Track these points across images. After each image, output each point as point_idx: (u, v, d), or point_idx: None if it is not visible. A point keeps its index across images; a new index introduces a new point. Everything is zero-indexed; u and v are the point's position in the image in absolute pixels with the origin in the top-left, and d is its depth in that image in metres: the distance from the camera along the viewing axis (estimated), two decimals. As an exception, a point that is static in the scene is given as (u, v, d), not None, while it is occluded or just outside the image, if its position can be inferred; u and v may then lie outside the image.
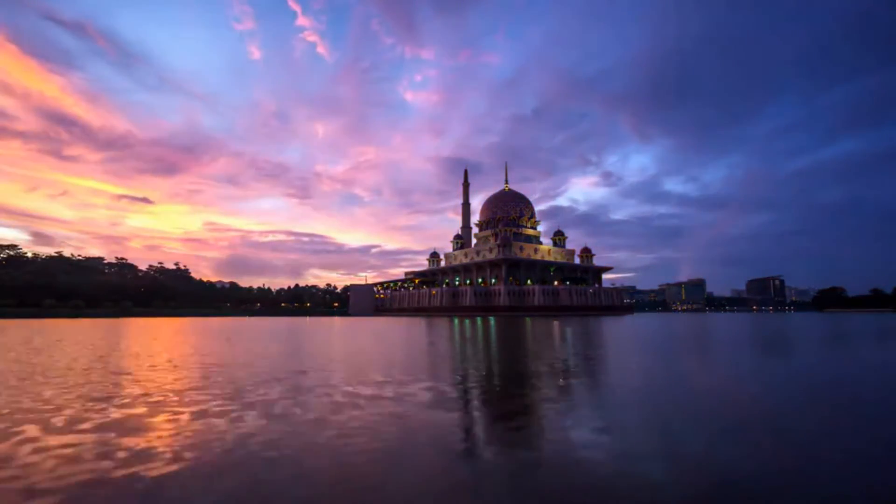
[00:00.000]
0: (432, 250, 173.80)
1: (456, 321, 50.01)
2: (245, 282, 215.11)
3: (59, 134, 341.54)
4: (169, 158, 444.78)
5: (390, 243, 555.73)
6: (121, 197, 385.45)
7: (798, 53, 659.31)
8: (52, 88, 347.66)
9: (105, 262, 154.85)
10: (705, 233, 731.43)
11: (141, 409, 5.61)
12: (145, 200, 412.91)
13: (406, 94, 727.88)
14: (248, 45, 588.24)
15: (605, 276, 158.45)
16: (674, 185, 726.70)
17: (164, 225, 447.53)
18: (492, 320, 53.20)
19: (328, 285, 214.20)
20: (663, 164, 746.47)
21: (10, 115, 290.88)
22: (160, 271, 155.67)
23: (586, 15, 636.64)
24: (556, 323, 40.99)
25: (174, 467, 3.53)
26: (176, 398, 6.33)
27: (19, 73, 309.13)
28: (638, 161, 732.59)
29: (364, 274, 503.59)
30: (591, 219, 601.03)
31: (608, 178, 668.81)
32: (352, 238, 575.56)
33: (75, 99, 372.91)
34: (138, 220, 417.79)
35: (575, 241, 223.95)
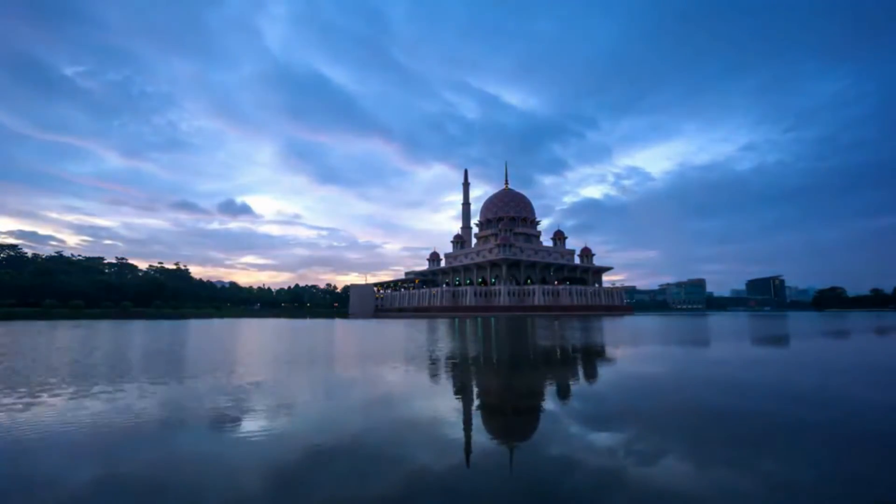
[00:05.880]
0: (432, 250, 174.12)
1: (457, 322, 50.02)
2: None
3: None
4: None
5: (390, 243, 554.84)
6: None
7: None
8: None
9: (105, 261, 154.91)
10: (706, 232, 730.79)
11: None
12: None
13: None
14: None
15: (605, 277, 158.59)
16: (674, 184, 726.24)
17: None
18: (492, 320, 53.25)
19: (328, 285, 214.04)
20: (663, 163, 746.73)
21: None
22: (160, 271, 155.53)
23: (598, 6, 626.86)
24: (556, 323, 41.06)
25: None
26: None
27: None
28: (637, 160, 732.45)
29: (364, 273, 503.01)
30: (591, 218, 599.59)
31: (609, 176, 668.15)
32: (353, 237, 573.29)
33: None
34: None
35: (575, 241, 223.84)
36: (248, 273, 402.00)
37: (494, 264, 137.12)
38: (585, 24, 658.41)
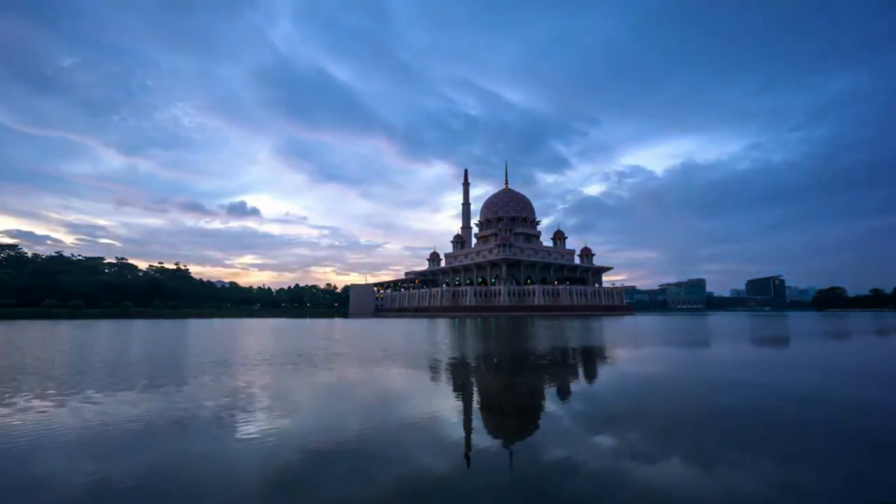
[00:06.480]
0: (432, 250, 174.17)
1: (457, 322, 50.05)
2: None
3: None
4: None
5: (391, 243, 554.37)
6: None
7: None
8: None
9: (105, 261, 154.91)
10: (706, 232, 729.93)
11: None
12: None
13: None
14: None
15: (605, 277, 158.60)
16: (676, 183, 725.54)
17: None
18: (492, 320, 53.28)
19: (328, 285, 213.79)
20: (666, 161, 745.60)
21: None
22: (160, 271, 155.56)
23: (601, 3, 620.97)
24: (556, 323, 41.10)
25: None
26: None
27: None
28: (640, 158, 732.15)
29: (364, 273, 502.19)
30: (592, 217, 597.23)
31: (611, 175, 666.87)
32: (353, 236, 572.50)
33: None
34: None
35: (575, 240, 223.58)
36: (249, 273, 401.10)
37: (494, 264, 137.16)
38: (588, 21, 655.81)
